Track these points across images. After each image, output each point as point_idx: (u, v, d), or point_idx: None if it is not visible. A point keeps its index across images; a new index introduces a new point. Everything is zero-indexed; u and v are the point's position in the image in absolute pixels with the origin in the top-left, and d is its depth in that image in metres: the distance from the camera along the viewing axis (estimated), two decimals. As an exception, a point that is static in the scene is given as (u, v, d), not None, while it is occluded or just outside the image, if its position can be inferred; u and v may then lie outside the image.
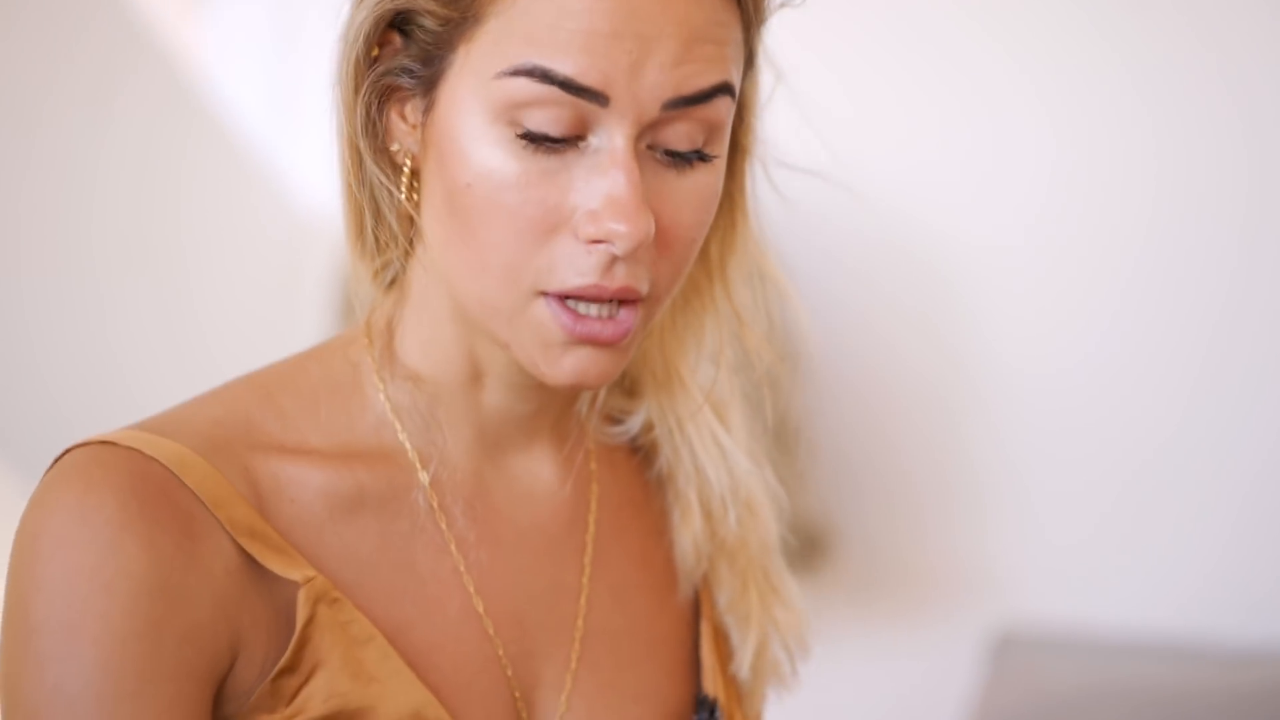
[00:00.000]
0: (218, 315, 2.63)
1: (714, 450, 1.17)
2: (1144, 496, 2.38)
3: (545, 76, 0.95)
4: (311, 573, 1.00)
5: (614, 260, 0.98)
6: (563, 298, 0.99)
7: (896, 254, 2.33)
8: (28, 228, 2.57)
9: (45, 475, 0.99)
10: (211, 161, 2.69)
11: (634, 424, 1.18)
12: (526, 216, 0.98)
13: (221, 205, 2.67)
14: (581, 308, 0.99)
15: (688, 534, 1.18)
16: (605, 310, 1.00)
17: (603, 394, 1.18)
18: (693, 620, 1.18)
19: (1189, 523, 2.37)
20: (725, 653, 1.19)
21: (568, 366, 1.01)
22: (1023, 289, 2.37)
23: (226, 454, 1.01)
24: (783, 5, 1.05)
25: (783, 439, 1.62)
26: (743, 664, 1.19)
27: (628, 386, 1.19)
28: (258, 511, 1.01)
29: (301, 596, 1.00)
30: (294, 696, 0.99)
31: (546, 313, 0.99)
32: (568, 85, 0.95)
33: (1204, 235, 2.29)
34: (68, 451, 0.99)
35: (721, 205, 1.10)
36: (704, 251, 1.12)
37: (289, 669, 0.99)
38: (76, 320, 2.55)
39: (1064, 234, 2.35)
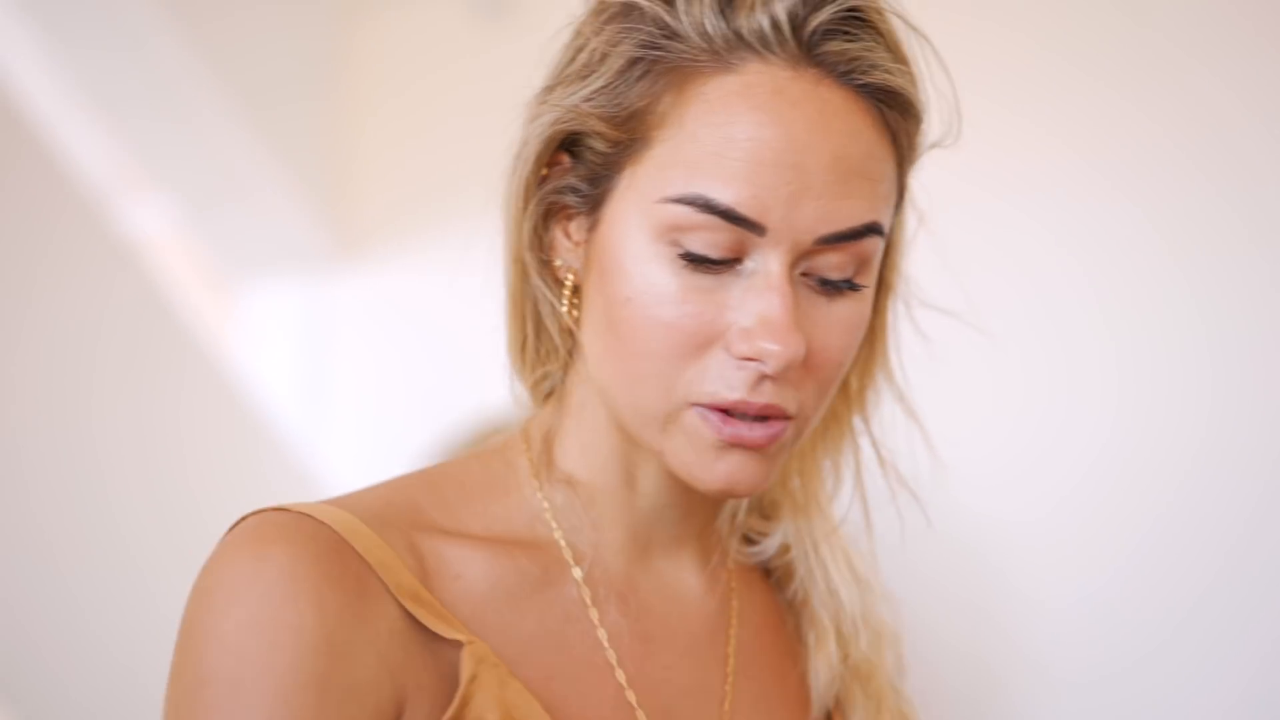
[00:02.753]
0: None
1: (847, 574, 1.19)
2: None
3: (707, 206, 1.00)
4: (473, 636, 1.02)
5: (762, 378, 1.01)
6: (712, 409, 1.02)
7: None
8: (48, 522, 2.56)
9: (222, 539, 1.01)
10: (239, 448, 2.70)
11: (771, 545, 1.20)
12: (682, 330, 1.01)
13: (251, 496, 2.66)
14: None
15: (822, 656, 1.19)
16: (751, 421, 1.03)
17: (743, 511, 1.20)
18: None
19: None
20: None
21: (720, 471, 1.04)
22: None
23: (394, 529, 1.04)
24: (934, 146, 1.10)
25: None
26: None
27: (765, 509, 1.22)
28: (422, 583, 1.02)
29: (465, 655, 1.00)
30: None
31: (697, 419, 1.03)
32: (728, 215, 0.99)
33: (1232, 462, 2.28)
34: (244, 519, 1.01)
35: (865, 335, 1.13)
36: (844, 381, 1.16)
37: None
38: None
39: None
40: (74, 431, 2.49)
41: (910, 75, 1.05)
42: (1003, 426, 2.24)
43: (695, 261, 1.00)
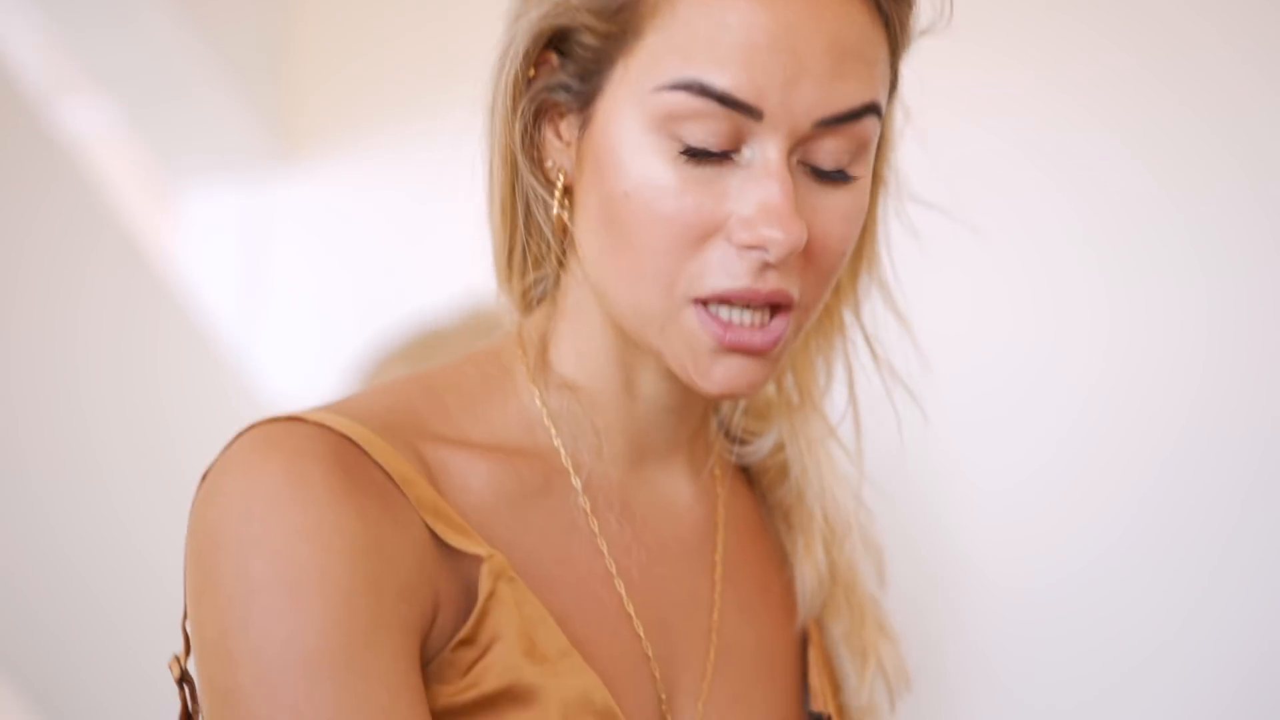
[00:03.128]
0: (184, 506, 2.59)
1: (840, 476, 1.20)
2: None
3: (703, 91, 0.99)
4: (492, 550, 1.02)
5: (765, 266, 1.01)
6: (715, 302, 1.02)
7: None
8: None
9: (231, 445, 1.00)
10: (179, 352, 2.68)
11: (764, 445, 1.21)
12: (682, 223, 1.01)
13: (189, 398, 2.65)
14: (736, 315, 1.03)
15: (810, 564, 1.20)
16: (757, 318, 1.03)
17: (739, 414, 1.21)
18: (801, 645, 1.20)
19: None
20: (833, 679, 1.21)
21: (719, 375, 1.04)
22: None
23: (401, 439, 1.03)
24: (924, 33, 1.10)
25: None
26: (860, 693, 1.21)
27: (758, 409, 1.22)
28: (437, 493, 1.02)
29: (484, 570, 1.01)
30: (470, 668, 1.00)
31: (695, 321, 1.02)
32: (724, 99, 0.99)
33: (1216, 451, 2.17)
34: (252, 426, 1.00)
35: None
36: None
37: (468, 640, 1.00)
38: (35, 511, 2.50)
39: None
40: (5, 335, 2.47)
41: None
42: (990, 361, 2.22)
43: (693, 154, 1.00)
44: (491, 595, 1.00)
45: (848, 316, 1.18)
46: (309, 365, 2.72)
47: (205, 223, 2.81)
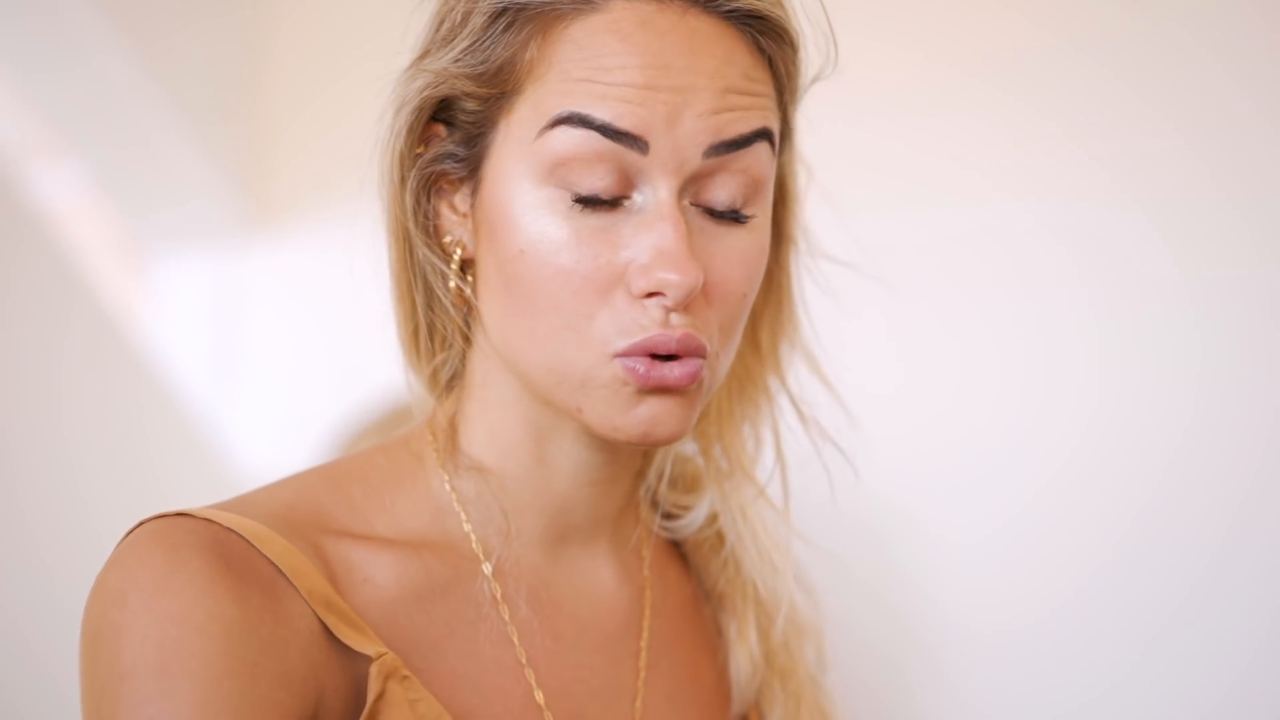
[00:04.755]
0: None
1: (777, 542, 1.17)
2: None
3: (583, 121, 0.97)
4: (384, 649, 0.99)
5: (667, 312, 0.98)
6: (633, 355, 0.99)
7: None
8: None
9: (121, 543, 0.98)
10: (152, 422, 2.66)
11: (697, 517, 1.18)
12: (581, 275, 0.98)
13: (163, 468, 2.63)
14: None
15: (744, 650, 1.17)
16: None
17: (664, 485, 1.18)
18: None
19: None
20: None
21: (641, 416, 1.00)
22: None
23: (301, 534, 1.01)
24: (815, 80, 1.08)
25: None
26: None
27: (688, 481, 1.20)
28: (332, 588, 0.99)
29: (374, 671, 0.97)
30: None
31: (621, 372, 0.99)
32: (606, 130, 0.97)
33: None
34: (141, 523, 0.98)
35: (770, 290, 1.13)
36: (755, 336, 1.14)
37: None
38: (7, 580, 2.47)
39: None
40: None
41: (778, 1, 1.03)
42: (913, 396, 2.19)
43: (585, 203, 0.98)
44: (381, 696, 0.97)
45: (771, 380, 1.16)
46: (282, 436, 2.69)
47: (178, 291, 2.79)
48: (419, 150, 1.05)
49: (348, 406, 2.42)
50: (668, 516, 1.19)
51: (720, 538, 1.19)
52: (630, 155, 0.97)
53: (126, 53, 2.52)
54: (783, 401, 1.16)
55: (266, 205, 2.76)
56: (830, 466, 1.17)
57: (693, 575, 1.21)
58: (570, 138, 0.97)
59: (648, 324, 0.98)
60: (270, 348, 2.79)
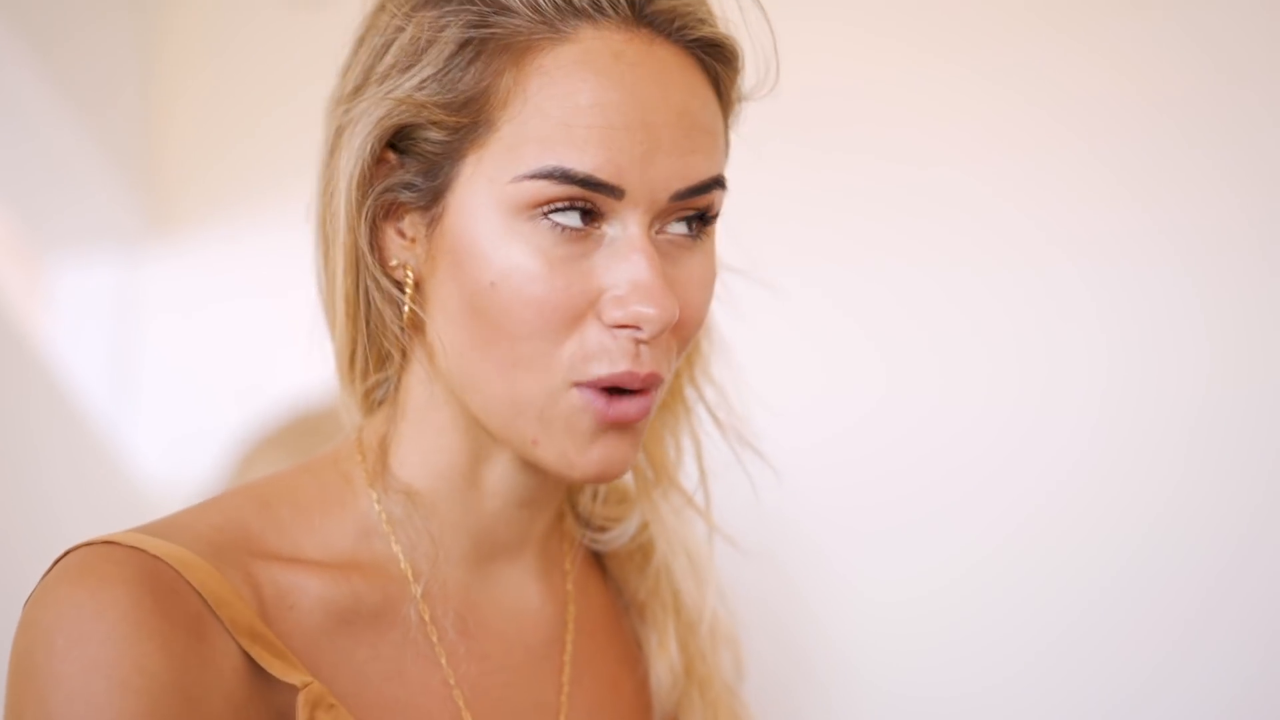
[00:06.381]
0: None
1: (705, 551, 1.20)
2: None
3: (565, 177, 0.98)
4: (309, 678, 0.99)
5: (639, 345, 1.00)
6: (598, 388, 1.01)
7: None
8: None
9: (48, 573, 0.97)
10: (50, 431, 2.62)
11: (628, 528, 1.20)
12: (554, 305, 1.00)
13: (60, 478, 2.60)
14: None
15: (664, 660, 1.19)
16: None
17: (599, 503, 1.20)
18: None
19: None
20: None
21: (596, 456, 1.02)
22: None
23: (228, 558, 1.01)
24: (747, 98, 1.11)
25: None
26: None
27: (618, 494, 1.22)
28: (259, 616, 1.00)
29: (300, 701, 0.98)
30: None
31: (580, 401, 1.01)
32: (587, 183, 0.99)
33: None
34: (69, 552, 0.98)
35: None
36: None
37: None
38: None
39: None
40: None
41: (726, 26, 1.07)
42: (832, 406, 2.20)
43: (558, 234, 0.99)
44: None
45: (688, 390, 1.18)
46: (182, 445, 2.67)
47: (76, 300, 2.76)
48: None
49: (249, 415, 2.41)
50: (598, 529, 1.20)
51: (643, 549, 1.21)
52: (606, 198, 0.99)
53: (23, 56, 2.49)
54: (700, 411, 1.18)
55: (166, 211, 2.74)
56: (750, 469, 1.18)
57: (611, 586, 1.22)
58: (549, 188, 0.99)
59: (618, 358, 1.00)
60: (169, 356, 2.77)
